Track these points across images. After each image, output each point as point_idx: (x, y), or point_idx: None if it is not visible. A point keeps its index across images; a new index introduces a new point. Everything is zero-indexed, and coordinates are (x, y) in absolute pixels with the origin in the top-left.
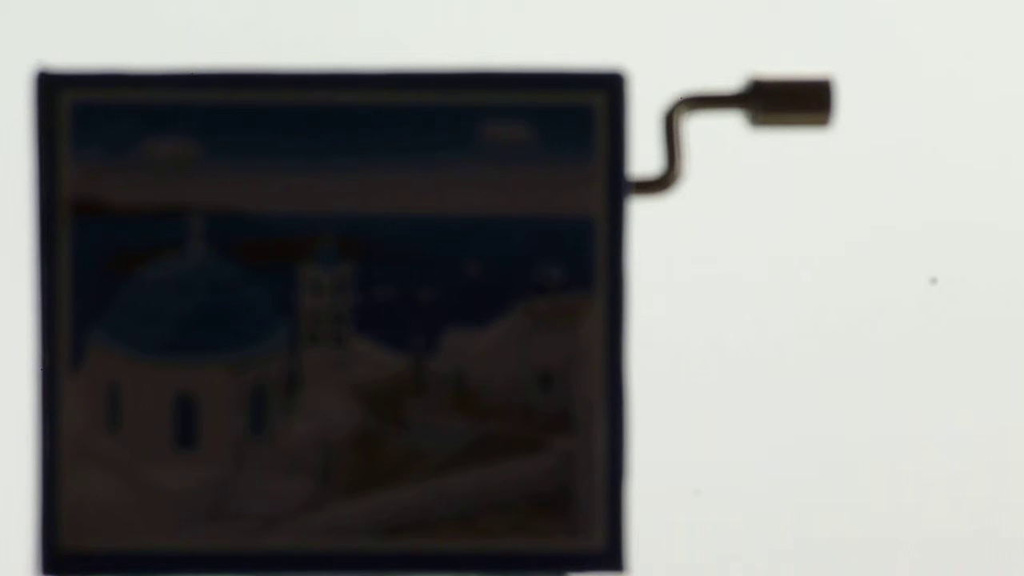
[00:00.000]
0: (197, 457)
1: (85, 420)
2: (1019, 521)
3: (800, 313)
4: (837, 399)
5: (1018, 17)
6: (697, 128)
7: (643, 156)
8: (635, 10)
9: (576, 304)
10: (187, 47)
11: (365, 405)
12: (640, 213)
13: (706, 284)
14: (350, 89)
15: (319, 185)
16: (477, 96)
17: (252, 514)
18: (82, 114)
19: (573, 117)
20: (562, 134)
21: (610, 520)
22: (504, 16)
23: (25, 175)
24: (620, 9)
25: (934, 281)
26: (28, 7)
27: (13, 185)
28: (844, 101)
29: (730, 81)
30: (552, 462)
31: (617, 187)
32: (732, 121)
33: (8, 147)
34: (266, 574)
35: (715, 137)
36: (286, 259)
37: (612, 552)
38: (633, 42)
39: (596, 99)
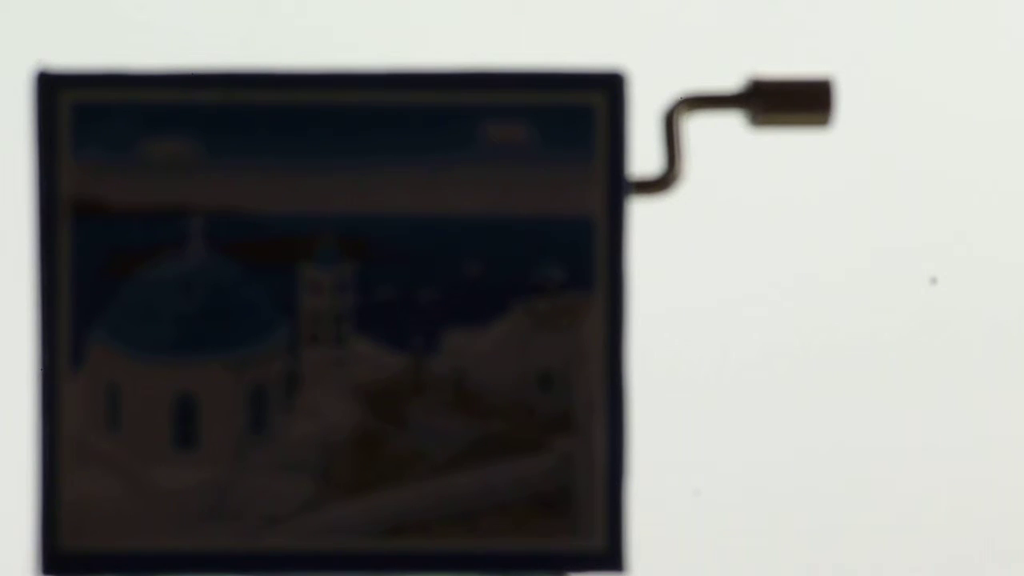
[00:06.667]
0: (197, 457)
1: (85, 420)
2: (1020, 524)
3: (800, 313)
4: (837, 399)
5: (1018, 17)
6: (697, 128)
7: (643, 156)
8: (635, 10)
9: (576, 304)
10: (186, 48)
11: (365, 405)
12: (640, 213)
13: (706, 284)
14: (350, 89)
15: (319, 185)
16: (477, 96)
17: (252, 514)
18: (82, 114)
19: (573, 117)
20: (562, 134)
21: (610, 520)
22: (504, 16)
23: (25, 175)
24: (620, 9)
25: (934, 281)
26: (28, 7)
27: (13, 185)
28: (844, 101)
29: (730, 81)
30: (552, 462)
31: (617, 187)
32: (732, 121)
33: (8, 147)
34: (266, 574)
35: (715, 137)
36: (286, 259)
37: (612, 552)
38: (633, 42)
39: (596, 99)
